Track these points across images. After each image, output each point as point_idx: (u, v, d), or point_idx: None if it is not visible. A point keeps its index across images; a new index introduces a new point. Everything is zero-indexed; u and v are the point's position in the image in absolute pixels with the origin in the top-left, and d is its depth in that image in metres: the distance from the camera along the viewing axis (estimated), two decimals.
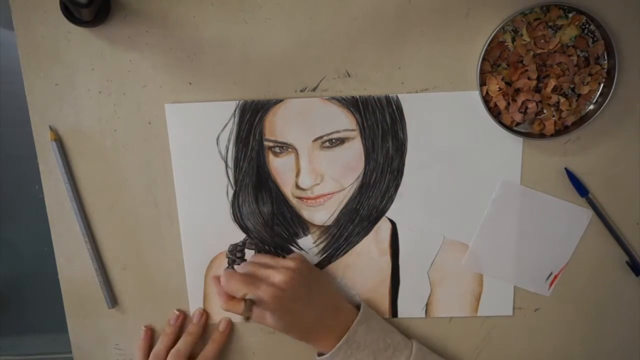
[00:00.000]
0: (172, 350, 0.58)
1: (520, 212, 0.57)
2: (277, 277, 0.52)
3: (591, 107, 0.54)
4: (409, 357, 0.55)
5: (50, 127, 0.55)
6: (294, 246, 0.59)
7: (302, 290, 0.53)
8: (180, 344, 0.58)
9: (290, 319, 0.53)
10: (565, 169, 0.55)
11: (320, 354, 0.56)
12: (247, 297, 0.52)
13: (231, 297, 0.53)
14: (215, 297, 0.60)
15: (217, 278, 0.56)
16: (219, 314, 0.60)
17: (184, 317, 0.60)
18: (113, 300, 0.60)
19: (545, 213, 0.57)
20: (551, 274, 0.59)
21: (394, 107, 0.55)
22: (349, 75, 0.54)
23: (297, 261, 0.55)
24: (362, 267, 0.59)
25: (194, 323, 0.60)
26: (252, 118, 0.55)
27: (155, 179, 0.57)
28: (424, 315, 0.60)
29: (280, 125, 0.55)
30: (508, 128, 0.54)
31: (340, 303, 0.57)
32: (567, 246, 0.58)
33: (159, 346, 0.59)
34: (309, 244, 0.59)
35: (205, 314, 0.60)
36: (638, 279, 0.58)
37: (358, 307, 0.57)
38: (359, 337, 0.54)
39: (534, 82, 0.52)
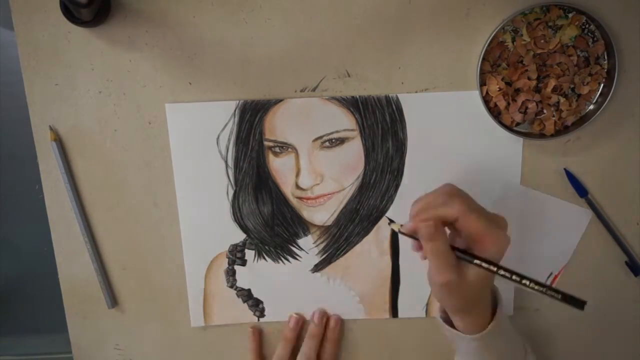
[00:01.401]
0: (300, 357, 0.57)
1: (520, 212, 0.57)
2: (502, 222, 0.45)
3: (591, 107, 0.54)
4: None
5: (50, 127, 0.55)
6: (294, 246, 0.59)
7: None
8: (305, 348, 0.58)
9: (481, 279, 0.44)
10: (565, 169, 0.55)
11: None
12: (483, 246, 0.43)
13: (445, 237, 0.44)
14: (219, 297, 0.60)
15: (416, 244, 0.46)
16: (220, 314, 0.60)
17: (303, 320, 0.60)
18: (113, 300, 0.60)
19: (545, 213, 0.57)
20: (551, 274, 0.59)
21: (394, 107, 0.55)
22: (349, 75, 0.54)
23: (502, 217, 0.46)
24: (362, 267, 0.59)
25: (315, 324, 0.59)
26: (252, 118, 0.55)
27: (155, 179, 0.57)
28: (424, 315, 0.60)
29: (280, 125, 0.55)
30: (508, 128, 0.54)
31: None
32: (567, 246, 0.58)
33: (282, 352, 0.58)
34: (309, 244, 0.59)
35: (325, 314, 0.59)
36: (637, 279, 0.58)
37: None
38: (504, 323, 0.48)
39: (534, 82, 0.52)
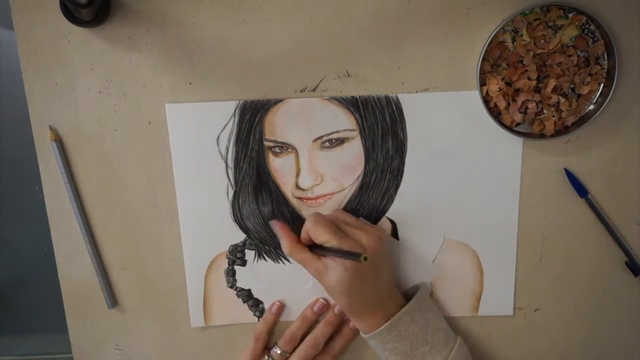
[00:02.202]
0: (309, 338, 0.58)
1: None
2: (364, 238, 0.51)
3: (591, 107, 0.54)
4: (445, 358, 0.53)
5: (50, 127, 0.55)
6: None
7: (378, 261, 0.52)
8: (318, 332, 0.58)
9: (353, 287, 0.51)
10: (565, 169, 0.55)
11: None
12: (328, 245, 0.50)
13: (297, 240, 0.54)
14: (219, 297, 0.60)
15: (280, 222, 0.56)
16: (220, 314, 0.60)
17: (328, 307, 0.59)
18: (113, 300, 0.60)
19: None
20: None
21: (394, 107, 0.55)
22: (349, 75, 0.54)
23: (383, 232, 0.54)
24: None
25: (335, 313, 0.58)
26: (252, 118, 0.55)
27: (155, 179, 0.57)
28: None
29: (280, 125, 0.55)
30: (508, 128, 0.54)
31: (394, 289, 0.56)
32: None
33: (295, 330, 0.58)
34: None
35: None
36: (637, 279, 0.58)
37: (408, 299, 0.55)
38: (401, 327, 0.53)
39: (534, 82, 0.52)
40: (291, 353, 0.58)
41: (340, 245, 0.50)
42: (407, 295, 0.56)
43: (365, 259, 0.44)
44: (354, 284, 0.51)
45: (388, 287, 0.54)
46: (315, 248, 0.53)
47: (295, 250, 0.53)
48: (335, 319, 0.59)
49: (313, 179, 0.56)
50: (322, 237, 0.51)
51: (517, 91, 0.53)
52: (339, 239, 0.50)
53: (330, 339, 0.59)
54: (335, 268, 0.51)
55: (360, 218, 0.57)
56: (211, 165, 0.56)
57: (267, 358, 0.59)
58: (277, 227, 0.57)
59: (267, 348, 0.60)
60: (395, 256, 0.58)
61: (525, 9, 0.51)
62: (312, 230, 0.52)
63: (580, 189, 0.56)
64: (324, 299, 0.59)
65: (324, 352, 0.59)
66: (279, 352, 0.58)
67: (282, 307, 0.60)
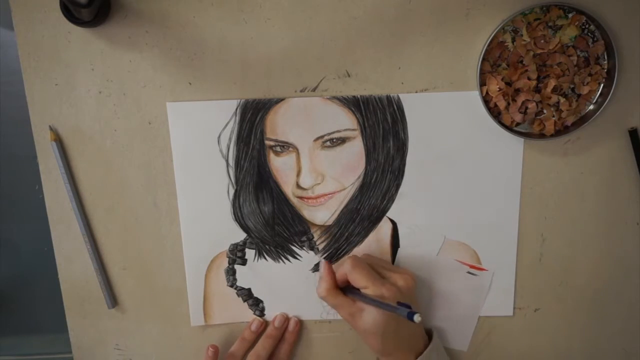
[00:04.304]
0: (251, 353, 0.58)
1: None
2: (400, 281, 0.52)
3: (591, 107, 0.54)
4: None
5: (50, 127, 0.55)
6: (295, 246, 0.59)
7: (411, 303, 0.52)
8: (259, 347, 0.59)
9: (388, 330, 0.51)
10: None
11: None
12: (366, 290, 0.51)
13: (335, 286, 0.53)
14: (219, 296, 0.60)
15: (327, 263, 0.56)
16: (220, 313, 0.60)
17: (265, 325, 0.60)
18: (113, 300, 0.60)
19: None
20: None
21: (395, 106, 0.55)
22: (349, 75, 0.54)
23: (413, 275, 0.54)
24: None
25: (276, 327, 0.59)
26: (253, 117, 0.55)
27: (156, 179, 0.57)
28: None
29: (281, 124, 0.55)
30: (508, 128, 0.54)
31: (422, 328, 0.57)
32: None
33: (237, 350, 0.59)
34: (309, 244, 0.59)
35: (287, 319, 0.60)
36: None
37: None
38: None
39: (534, 82, 0.52)
40: None
41: (380, 291, 0.50)
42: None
43: (411, 318, 0.43)
44: (388, 327, 0.51)
45: (418, 326, 0.55)
46: (349, 291, 0.54)
47: (330, 295, 0.53)
48: (276, 332, 0.59)
49: (314, 179, 0.56)
50: (361, 282, 0.51)
51: (517, 91, 0.53)
52: (378, 284, 0.51)
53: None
54: (371, 312, 0.51)
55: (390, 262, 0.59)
56: (212, 165, 0.56)
57: None
58: (324, 266, 0.56)
59: None
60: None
61: (525, 9, 0.51)
62: (351, 275, 0.52)
63: None
64: (260, 316, 0.60)
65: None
66: None
67: (265, 326, 0.60)
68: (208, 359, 0.58)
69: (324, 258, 0.59)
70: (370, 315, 0.51)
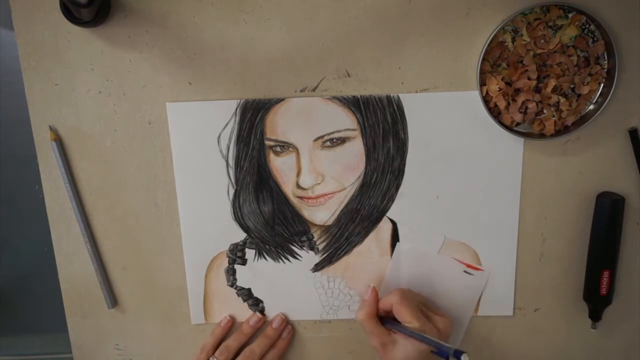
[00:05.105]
0: (247, 349, 0.59)
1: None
2: (441, 324, 0.53)
3: (591, 107, 0.54)
4: None
5: (50, 127, 0.55)
6: (295, 246, 0.59)
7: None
8: (255, 345, 0.59)
9: (408, 352, 0.52)
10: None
11: None
12: (409, 325, 0.52)
13: (375, 314, 0.55)
14: (220, 296, 0.60)
15: (374, 289, 0.57)
16: (220, 313, 0.60)
17: (263, 321, 0.61)
18: (113, 300, 0.60)
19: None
20: None
21: (395, 106, 0.55)
22: (349, 75, 0.54)
23: (452, 320, 0.55)
24: (363, 267, 0.59)
25: (273, 327, 0.60)
26: (253, 117, 0.55)
27: (156, 179, 0.57)
28: None
29: (281, 124, 0.55)
30: (508, 128, 0.54)
31: None
32: None
33: (232, 342, 0.59)
34: (309, 244, 0.59)
35: (285, 320, 0.60)
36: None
37: None
38: None
39: (534, 82, 0.52)
40: None
41: (423, 327, 0.51)
42: None
43: (458, 356, 0.44)
44: None
45: None
46: (386, 321, 0.55)
47: (368, 322, 0.54)
48: (274, 332, 0.60)
49: (314, 178, 0.56)
50: (406, 317, 0.52)
51: (517, 91, 0.53)
52: (422, 322, 0.52)
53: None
54: (405, 346, 0.52)
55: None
56: (212, 165, 0.56)
57: None
58: (370, 292, 0.57)
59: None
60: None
61: (525, 9, 0.51)
62: (397, 306, 0.53)
63: None
64: (260, 312, 0.60)
65: None
66: None
67: (231, 322, 0.60)
68: (219, 327, 0.59)
69: (323, 258, 0.59)
70: (403, 349, 0.52)
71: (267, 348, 0.60)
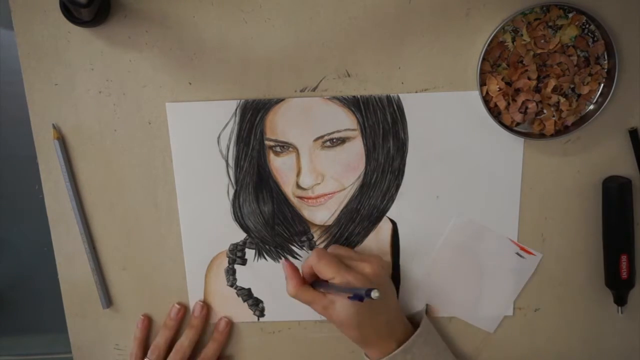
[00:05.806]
0: (177, 344, 0.58)
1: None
2: (367, 268, 0.52)
3: (591, 107, 0.54)
4: None
5: (53, 125, 0.55)
6: (295, 246, 0.59)
7: (383, 288, 0.52)
8: (183, 338, 0.58)
9: (363, 319, 0.51)
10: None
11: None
12: (334, 281, 0.50)
13: (303, 282, 0.54)
14: (220, 296, 0.60)
15: (289, 263, 0.56)
16: (219, 312, 0.60)
17: (184, 310, 0.60)
18: (108, 300, 0.60)
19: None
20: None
21: (395, 106, 0.55)
22: (349, 75, 0.54)
23: (381, 259, 0.54)
24: None
25: (195, 316, 0.59)
26: (253, 117, 0.55)
27: (156, 179, 0.57)
28: (424, 315, 0.60)
29: (281, 124, 0.55)
30: (508, 128, 0.54)
31: (400, 313, 0.56)
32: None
33: (159, 339, 0.59)
34: (309, 244, 0.59)
35: (205, 306, 0.60)
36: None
37: (415, 325, 0.56)
38: (415, 350, 0.53)
39: (534, 82, 0.52)
40: None
41: (346, 279, 0.50)
42: (411, 320, 0.57)
43: (369, 295, 0.44)
44: (363, 316, 0.51)
45: (395, 312, 0.55)
46: (318, 285, 0.54)
47: (300, 292, 0.53)
48: (197, 321, 0.59)
49: (314, 179, 0.56)
50: (327, 273, 0.51)
51: (517, 91, 0.53)
52: (344, 273, 0.50)
53: (203, 345, 0.60)
54: (343, 302, 0.50)
55: (355, 249, 0.58)
56: (212, 165, 0.56)
57: None
58: (285, 267, 0.56)
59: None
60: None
61: (525, 9, 0.51)
62: (317, 267, 0.52)
63: None
64: (179, 303, 0.60)
65: (200, 358, 0.59)
66: None
67: (147, 321, 0.60)
68: (137, 329, 0.59)
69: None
70: (342, 306, 0.51)
71: (196, 338, 0.59)
